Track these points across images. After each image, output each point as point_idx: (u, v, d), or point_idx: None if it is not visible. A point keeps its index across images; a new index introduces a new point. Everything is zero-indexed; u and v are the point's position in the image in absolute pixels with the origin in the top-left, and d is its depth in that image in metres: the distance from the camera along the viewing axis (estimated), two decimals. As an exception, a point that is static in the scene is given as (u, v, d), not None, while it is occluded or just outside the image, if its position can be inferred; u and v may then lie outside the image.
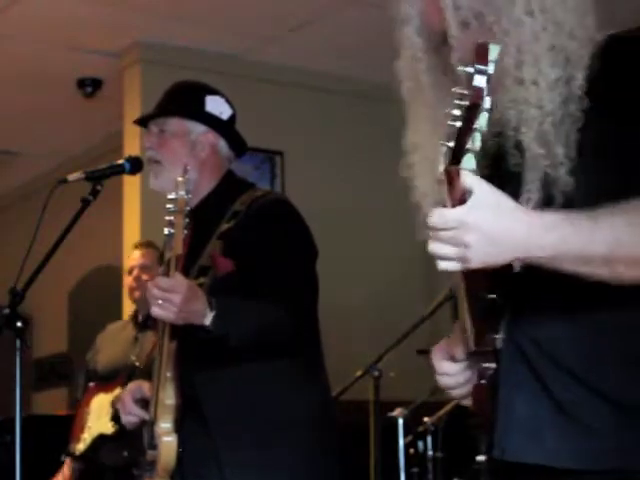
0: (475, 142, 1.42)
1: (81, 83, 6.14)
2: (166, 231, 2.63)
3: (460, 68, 1.40)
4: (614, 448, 1.60)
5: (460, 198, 1.47)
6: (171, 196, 2.64)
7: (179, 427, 2.64)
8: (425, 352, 4.84)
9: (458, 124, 1.41)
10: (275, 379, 2.74)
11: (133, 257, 4.54)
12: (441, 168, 1.46)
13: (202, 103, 2.88)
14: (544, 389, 1.66)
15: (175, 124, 2.86)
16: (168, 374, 2.64)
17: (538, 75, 1.59)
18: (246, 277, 2.68)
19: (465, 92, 1.40)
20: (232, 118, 2.94)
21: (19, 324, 2.58)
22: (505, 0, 1.62)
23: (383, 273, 6.09)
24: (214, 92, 2.94)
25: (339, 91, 6.17)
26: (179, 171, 2.73)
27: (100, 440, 4.30)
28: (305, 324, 2.74)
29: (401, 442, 4.19)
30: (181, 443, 2.64)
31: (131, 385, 2.86)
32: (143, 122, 2.98)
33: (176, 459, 2.62)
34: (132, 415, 2.77)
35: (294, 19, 5.42)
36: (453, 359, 1.75)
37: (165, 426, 2.62)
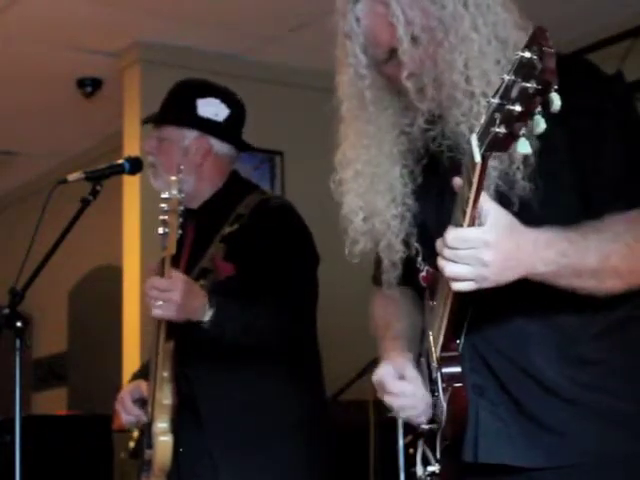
0: (539, 126, 1.38)
1: (81, 83, 6.13)
2: (160, 230, 2.63)
3: (519, 53, 1.36)
4: (571, 445, 1.65)
5: (476, 216, 1.49)
6: (164, 195, 2.64)
7: (176, 427, 2.64)
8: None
9: (517, 108, 1.36)
10: (273, 381, 2.74)
11: None
12: (477, 158, 1.43)
13: (194, 108, 2.86)
14: (503, 390, 1.70)
15: (169, 131, 2.88)
16: (165, 374, 2.65)
17: (487, 88, 1.60)
18: (247, 281, 2.68)
19: (514, 78, 1.37)
20: (230, 117, 2.91)
21: (19, 324, 2.58)
22: (453, 16, 1.64)
23: (383, 273, 6.08)
24: (208, 93, 2.90)
25: (339, 91, 6.15)
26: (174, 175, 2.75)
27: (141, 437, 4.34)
28: (304, 329, 2.75)
29: (401, 442, 4.18)
30: (178, 443, 2.64)
31: (129, 385, 2.87)
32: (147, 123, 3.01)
33: (172, 459, 2.62)
34: (131, 415, 2.78)
35: (294, 19, 5.42)
36: (403, 378, 1.76)
37: (162, 426, 2.63)
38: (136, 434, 4.04)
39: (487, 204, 1.50)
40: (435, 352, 1.70)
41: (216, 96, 2.90)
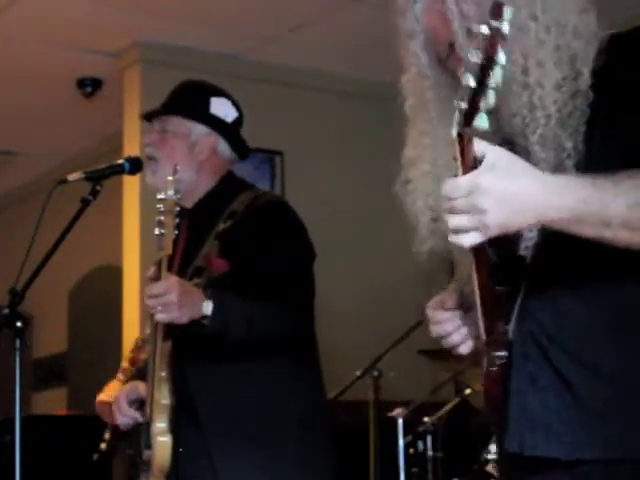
0: (489, 100, 1.42)
1: (81, 83, 6.13)
2: (157, 231, 2.63)
3: (476, 26, 1.40)
4: (622, 436, 1.61)
5: (472, 165, 1.47)
6: (161, 196, 2.64)
7: (174, 427, 2.64)
8: (425, 352, 4.85)
9: (472, 83, 1.42)
10: (272, 379, 2.74)
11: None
12: (454, 133, 1.46)
13: (207, 104, 2.88)
14: (558, 378, 1.67)
15: (177, 123, 2.87)
16: (162, 374, 2.65)
17: (543, 77, 1.60)
18: (242, 277, 2.68)
19: (472, 53, 1.42)
20: (237, 120, 2.94)
21: (19, 324, 2.58)
22: (510, 7, 1.64)
23: (383, 273, 6.09)
24: (220, 93, 2.93)
25: (339, 91, 6.17)
26: (178, 170, 2.74)
27: (112, 438, 4.36)
28: (301, 324, 2.74)
29: (401, 442, 4.19)
30: (177, 443, 2.64)
31: (127, 385, 2.87)
32: (148, 118, 2.99)
33: (171, 459, 2.62)
34: (126, 417, 2.78)
35: (294, 19, 5.42)
36: (445, 308, 1.78)
37: (160, 426, 2.63)
38: (107, 436, 4.05)
39: (483, 147, 1.47)
40: (482, 336, 1.68)
41: (227, 97, 2.92)
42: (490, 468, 3.73)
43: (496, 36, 1.40)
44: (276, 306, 2.64)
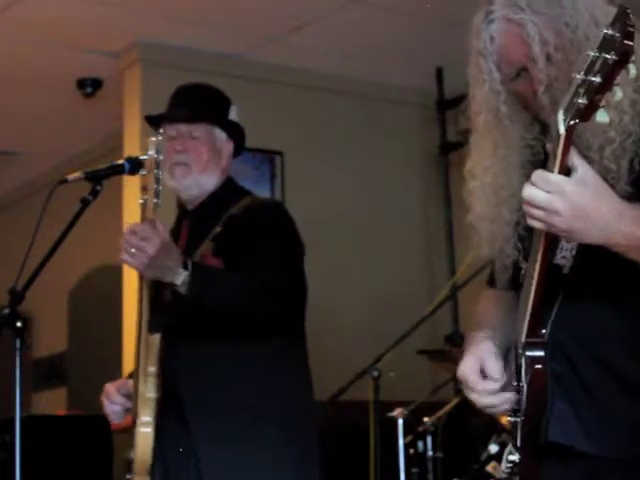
0: (616, 95, 1.51)
1: (81, 83, 6.13)
2: (140, 200, 2.62)
3: (603, 30, 1.48)
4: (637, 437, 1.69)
5: (566, 169, 1.56)
6: (142, 157, 2.63)
7: (160, 421, 2.63)
8: (425, 352, 4.85)
9: (598, 79, 1.49)
10: (258, 378, 2.75)
11: None
12: (561, 129, 1.53)
13: (227, 111, 2.95)
14: (577, 377, 1.75)
15: (205, 130, 2.90)
16: (151, 369, 2.64)
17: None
18: (232, 270, 2.71)
19: (597, 54, 1.49)
20: (240, 125, 3.01)
21: (19, 324, 2.58)
22: (586, 37, 1.72)
23: (383, 273, 6.09)
24: (230, 100, 3.00)
25: (339, 91, 6.17)
26: (206, 176, 2.83)
27: None
28: (289, 315, 2.73)
29: (401, 442, 4.19)
30: (167, 441, 2.65)
31: (118, 380, 2.89)
32: (151, 120, 3.01)
33: (152, 453, 2.61)
34: (115, 404, 2.79)
35: (294, 19, 5.42)
36: (484, 375, 1.81)
37: (144, 419, 2.62)
38: None
39: (577, 161, 1.56)
40: (521, 338, 1.75)
41: (234, 103, 2.98)
42: (490, 468, 3.73)
43: (631, 35, 1.48)
44: (258, 283, 2.63)
